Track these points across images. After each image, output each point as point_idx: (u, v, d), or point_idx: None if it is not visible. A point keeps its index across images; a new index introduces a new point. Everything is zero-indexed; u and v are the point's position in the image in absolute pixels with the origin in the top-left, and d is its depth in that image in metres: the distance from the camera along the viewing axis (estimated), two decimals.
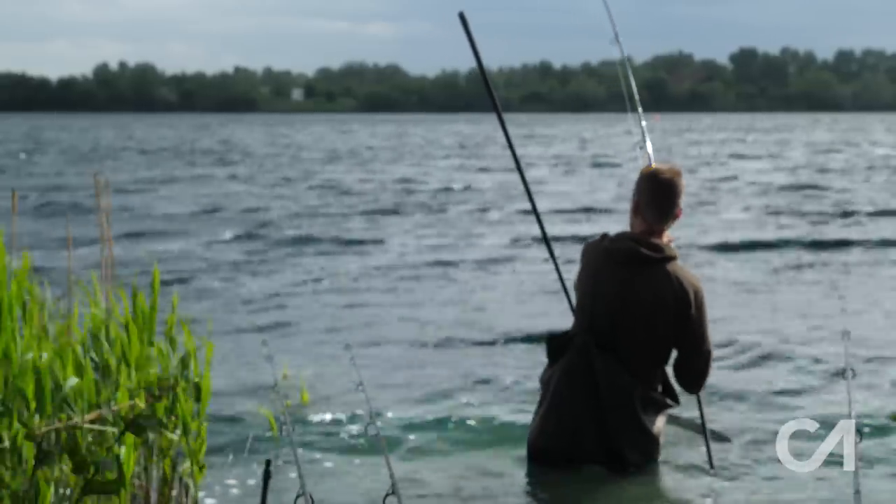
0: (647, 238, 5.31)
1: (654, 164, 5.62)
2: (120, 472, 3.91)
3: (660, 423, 5.42)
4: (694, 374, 5.41)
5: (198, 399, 4.81)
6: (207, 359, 5.00)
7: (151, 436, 4.62)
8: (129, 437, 4.08)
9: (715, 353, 5.54)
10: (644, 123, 6.06)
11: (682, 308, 5.26)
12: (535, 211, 5.89)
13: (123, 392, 4.54)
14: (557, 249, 6.18)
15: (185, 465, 4.79)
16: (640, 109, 6.09)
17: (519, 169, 5.83)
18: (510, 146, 5.81)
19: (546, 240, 5.97)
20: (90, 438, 4.47)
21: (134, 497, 4.60)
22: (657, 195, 5.32)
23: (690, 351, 5.35)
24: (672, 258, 5.32)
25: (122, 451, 4.03)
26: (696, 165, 35.13)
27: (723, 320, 9.59)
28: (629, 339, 5.27)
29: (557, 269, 5.96)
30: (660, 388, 5.44)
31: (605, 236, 5.43)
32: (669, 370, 5.51)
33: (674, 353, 5.44)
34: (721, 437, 5.99)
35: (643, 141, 5.98)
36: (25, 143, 53.50)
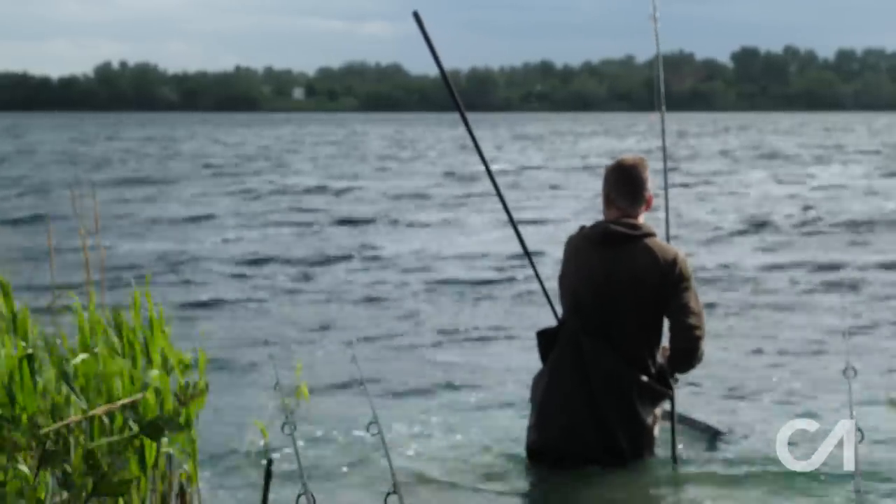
0: (622, 220, 5.39)
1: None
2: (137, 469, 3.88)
3: (655, 415, 5.41)
4: (691, 339, 5.27)
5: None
6: (201, 365, 5.02)
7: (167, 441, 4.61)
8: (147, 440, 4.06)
9: (715, 353, 5.53)
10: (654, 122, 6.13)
11: (667, 275, 5.29)
12: (507, 211, 5.74)
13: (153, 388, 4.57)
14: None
15: (184, 467, 4.80)
16: (663, 108, 6.19)
17: (487, 168, 5.75)
18: (476, 145, 5.66)
19: (521, 242, 5.77)
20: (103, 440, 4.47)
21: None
22: (625, 182, 5.43)
23: (682, 315, 5.29)
24: (650, 234, 5.40)
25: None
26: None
27: (722, 320, 9.60)
28: (617, 320, 5.29)
29: (535, 270, 5.81)
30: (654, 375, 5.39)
31: (583, 227, 5.53)
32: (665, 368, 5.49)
33: (666, 340, 5.43)
34: (718, 434, 6.00)
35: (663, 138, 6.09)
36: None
